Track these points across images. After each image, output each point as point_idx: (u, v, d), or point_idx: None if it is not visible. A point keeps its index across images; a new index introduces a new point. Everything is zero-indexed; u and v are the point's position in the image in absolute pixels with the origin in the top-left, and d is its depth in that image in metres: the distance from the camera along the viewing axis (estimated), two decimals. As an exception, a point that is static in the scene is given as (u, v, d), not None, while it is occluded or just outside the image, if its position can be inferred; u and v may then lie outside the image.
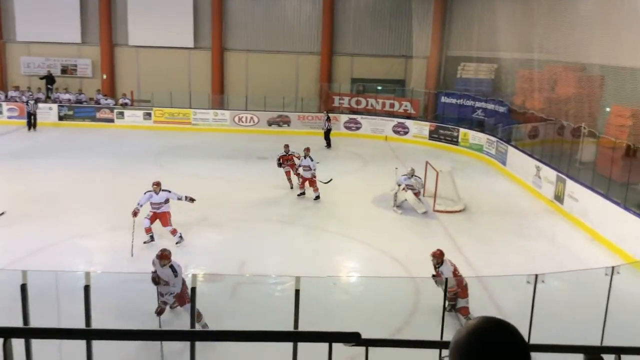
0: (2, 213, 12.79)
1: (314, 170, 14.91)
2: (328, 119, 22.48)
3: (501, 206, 15.13)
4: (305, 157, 15.07)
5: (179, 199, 11.41)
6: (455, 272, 8.34)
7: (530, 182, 16.30)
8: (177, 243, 11.05)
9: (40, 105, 23.94)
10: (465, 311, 8.13)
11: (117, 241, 11.41)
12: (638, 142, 12.95)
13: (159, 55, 26.50)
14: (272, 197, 15.09)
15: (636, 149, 13.09)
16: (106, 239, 11.72)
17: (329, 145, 21.82)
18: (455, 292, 8.14)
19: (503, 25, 21.18)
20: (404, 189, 14.23)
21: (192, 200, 11.53)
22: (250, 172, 17.72)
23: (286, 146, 15.95)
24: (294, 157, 15.60)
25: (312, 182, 14.93)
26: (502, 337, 1.47)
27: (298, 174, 15.33)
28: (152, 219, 11.21)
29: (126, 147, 20.68)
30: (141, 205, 11.06)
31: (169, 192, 11.36)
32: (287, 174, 15.75)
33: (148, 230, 11.17)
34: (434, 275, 8.36)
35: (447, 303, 7.74)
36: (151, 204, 11.19)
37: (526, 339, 1.50)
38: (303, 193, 15.18)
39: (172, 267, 7.77)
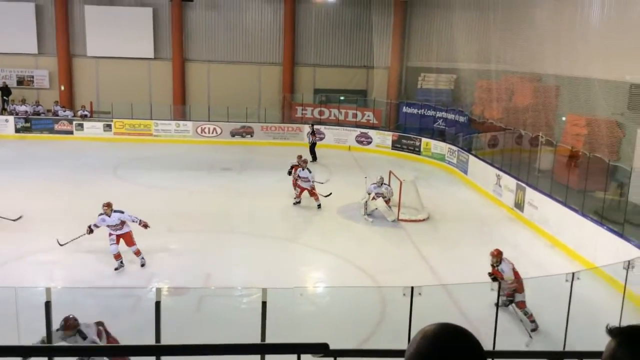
0: (20, 217, 12.69)
1: (312, 181, 15.02)
2: (313, 133, 21.76)
3: (464, 214, 15.36)
4: (302, 169, 15.11)
5: (133, 221, 10.72)
6: (514, 269, 8.78)
7: (491, 190, 16.61)
8: (142, 265, 10.75)
9: None
10: (522, 305, 8.62)
11: (77, 256, 11.12)
12: (593, 151, 13.35)
13: (119, 66, 26.08)
14: (236, 209, 14.96)
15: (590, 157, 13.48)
16: (66, 253, 11.39)
17: (314, 158, 20.91)
18: (514, 288, 8.57)
19: (461, 37, 21.64)
20: (373, 197, 14.33)
21: (146, 226, 10.78)
22: (213, 184, 17.54)
23: (299, 157, 15.90)
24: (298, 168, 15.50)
25: (312, 193, 15.04)
26: (459, 343, 1.49)
27: (297, 184, 15.35)
28: (117, 241, 10.66)
29: (85, 159, 20.24)
30: (97, 227, 10.70)
31: (122, 212, 10.66)
32: (294, 182, 15.74)
33: (117, 257, 10.57)
34: (490, 274, 8.75)
35: (501, 299, 8.14)
36: (108, 226, 10.60)
37: (490, 346, 1.53)
38: (298, 202, 15.27)
39: (80, 332, 6.34)
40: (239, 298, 9.67)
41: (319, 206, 14.96)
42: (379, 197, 14.35)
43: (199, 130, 24.47)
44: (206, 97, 26.51)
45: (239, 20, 26.62)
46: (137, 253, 10.77)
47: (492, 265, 8.84)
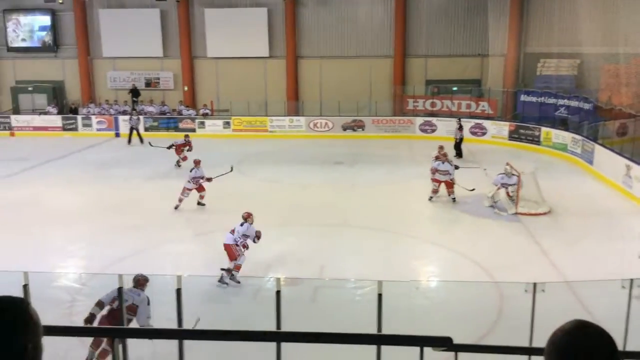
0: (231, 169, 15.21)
1: (453, 175, 14.70)
2: (460, 128, 20.75)
3: (589, 208, 14.44)
4: (443, 162, 14.91)
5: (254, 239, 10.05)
6: None
7: (620, 181, 15.46)
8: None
9: (137, 118, 24.60)
10: None
11: (205, 246, 11.82)
12: None
13: (236, 66, 27.25)
14: (348, 202, 15.11)
15: None
16: (194, 243, 12.18)
17: (460, 155, 20.16)
18: None
19: (584, 18, 20.27)
20: (499, 188, 13.93)
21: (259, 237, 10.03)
22: (326, 177, 17.85)
23: (440, 147, 15.87)
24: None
25: (449, 185, 14.75)
26: (593, 340, 1.57)
27: (434, 179, 14.94)
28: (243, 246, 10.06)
29: (207, 155, 21.29)
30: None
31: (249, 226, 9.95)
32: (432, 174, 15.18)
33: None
34: None
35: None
36: (243, 235, 9.95)
37: (621, 346, 1.56)
38: (431, 198, 14.89)
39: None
40: (353, 290, 9.80)
41: (454, 200, 14.65)
42: (505, 187, 13.89)
43: (311, 125, 24.97)
44: (318, 93, 26.97)
45: (350, 15, 26.76)
46: (237, 268, 9.93)
47: None
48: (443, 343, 2.63)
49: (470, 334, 7.89)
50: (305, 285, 9.63)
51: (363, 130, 24.76)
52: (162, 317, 6.95)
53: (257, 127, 25.26)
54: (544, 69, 23.89)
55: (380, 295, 6.08)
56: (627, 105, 17.54)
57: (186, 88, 27.63)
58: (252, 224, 9.99)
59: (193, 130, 25.30)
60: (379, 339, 3.31)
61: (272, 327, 5.57)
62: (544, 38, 24.38)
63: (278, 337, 3.58)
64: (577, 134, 19.39)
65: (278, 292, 5.49)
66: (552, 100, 21.77)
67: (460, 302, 8.92)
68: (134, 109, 26.09)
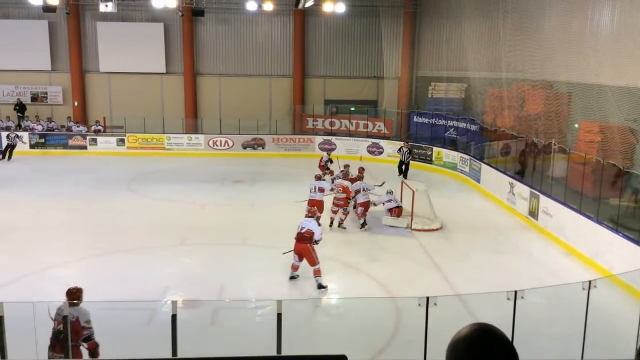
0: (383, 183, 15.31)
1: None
2: (410, 152, 21.08)
3: (477, 223, 15.28)
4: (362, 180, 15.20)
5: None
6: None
7: (505, 198, 16.52)
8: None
9: (18, 135, 23.39)
10: None
11: (92, 269, 11.21)
12: (607, 157, 13.25)
13: (131, 81, 26.35)
14: (248, 221, 14.99)
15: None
16: (81, 267, 11.49)
17: (404, 175, 20.45)
18: None
19: (470, 46, 21.65)
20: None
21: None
22: (225, 196, 17.60)
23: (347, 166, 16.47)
24: None
25: (367, 206, 14.49)
26: (493, 341, 1.61)
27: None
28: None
29: (99, 173, 20.42)
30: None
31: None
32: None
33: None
34: None
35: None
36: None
37: None
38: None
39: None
40: (254, 310, 9.68)
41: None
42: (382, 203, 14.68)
43: (210, 143, 24.62)
44: (218, 110, 26.69)
45: (249, 34, 26.84)
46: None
47: None
48: (338, 361, 2.65)
49: (369, 348, 8.04)
50: (204, 307, 9.38)
51: (263, 148, 24.76)
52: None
53: (153, 145, 24.50)
54: (435, 91, 25.20)
55: (279, 315, 6.05)
56: (509, 127, 18.80)
57: (76, 103, 26.29)
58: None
59: (84, 147, 24.11)
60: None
61: (167, 354, 5.37)
62: (434, 63, 25.79)
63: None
64: (465, 153, 20.54)
65: (174, 316, 5.30)
66: (442, 122, 22.93)
67: (359, 318, 9.06)
68: (18, 125, 24.45)
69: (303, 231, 10.46)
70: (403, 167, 20.92)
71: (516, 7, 18.69)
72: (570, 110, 16.41)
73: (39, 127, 24.49)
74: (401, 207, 14.69)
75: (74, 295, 6.76)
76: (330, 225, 14.10)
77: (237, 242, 13.20)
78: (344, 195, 14.15)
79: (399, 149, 21.31)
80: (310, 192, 14.09)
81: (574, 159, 14.39)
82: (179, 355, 6.43)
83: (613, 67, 13.64)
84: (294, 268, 10.77)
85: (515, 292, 6.91)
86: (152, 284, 10.56)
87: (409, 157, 21.05)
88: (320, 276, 10.34)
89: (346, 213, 14.39)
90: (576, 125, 16.01)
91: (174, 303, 5.80)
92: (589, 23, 15.05)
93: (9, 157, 22.55)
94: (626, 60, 13.40)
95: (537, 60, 17.34)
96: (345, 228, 14.29)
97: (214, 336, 8.49)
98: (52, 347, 6.47)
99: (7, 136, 22.89)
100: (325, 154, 20.24)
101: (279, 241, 13.29)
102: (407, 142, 21.76)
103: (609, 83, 13.72)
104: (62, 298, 6.61)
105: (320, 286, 10.29)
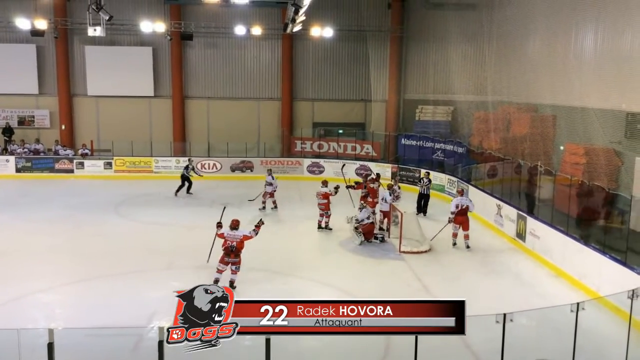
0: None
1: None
2: (430, 182, 18.77)
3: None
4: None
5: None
6: None
7: (492, 220, 16.59)
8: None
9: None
10: None
11: (78, 295, 11.06)
12: (592, 179, 13.39)
13: (119, 105, 26.37)
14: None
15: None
16: (67, 293, 11.33)
17: (424, 212, 18.26)
18: None
19: (456, 69, 21.96)
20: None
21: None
22: (213, 219, 17.43)
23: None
24: None
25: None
26: None
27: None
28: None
29: (86, 197, 20.27)
30: None
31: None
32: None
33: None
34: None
35: None
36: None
37: None
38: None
39: None
40: (243, 334, 9.55)
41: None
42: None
43: (199, 166, 24.54)
44: (206, 134, 26.73)
45: (238, 58, 27.03)
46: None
47: None
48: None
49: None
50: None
51: (252, 171, 24.76)
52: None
53: (141, 168, 24.41)
54: (422, 114, 25.45)
55: (268, 340, 5.99)
56: (495, 149, 18.97)
57: (64, 127, 26.22)
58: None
59: (71, 171, 23.96)
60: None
61: (154, 380, 5.28)
62: (421, 86, 26.11)
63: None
64: (452, 175, 20.65)
65: (160, 343, 5.23)
66: (429, 144, 23.09)
67: (349, 341, 8.97)
68: (5, 149, 24.30)
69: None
70: (422, 201, 18.37)
71: (501, 31, 19.02)
72: (556, 133, 16.63)
73: (24, 150, 24.26)
74: (373, 224, 15.09)
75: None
76: (319, 228, 16.06)
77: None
78: (325, 201, 16.03)
79: (420, 179, 19.39)
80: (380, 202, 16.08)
81: (560, 181, 14.52)
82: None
83: (597, 90, 13.87)
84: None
85: (505, 315, 6.91)
86: (139, 309, 10.42)
87: (428, 189, 18.52)
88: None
89: (328, 216, 16.13)
90: (562, 148, 16.20)
91: (161, 329, 5.72)
92: (573, 47, 15.33)
93: None
94: (610, 83, 13.63)
95: (522, 83, 17.59)
96: (331, 229, 16.00)
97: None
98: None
99: None
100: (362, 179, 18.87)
101: (267, 263, 13.26)
102: (428, 172, 19.48)
103: (594, 106, 13.93)
104: (44, 325, 6.49)
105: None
